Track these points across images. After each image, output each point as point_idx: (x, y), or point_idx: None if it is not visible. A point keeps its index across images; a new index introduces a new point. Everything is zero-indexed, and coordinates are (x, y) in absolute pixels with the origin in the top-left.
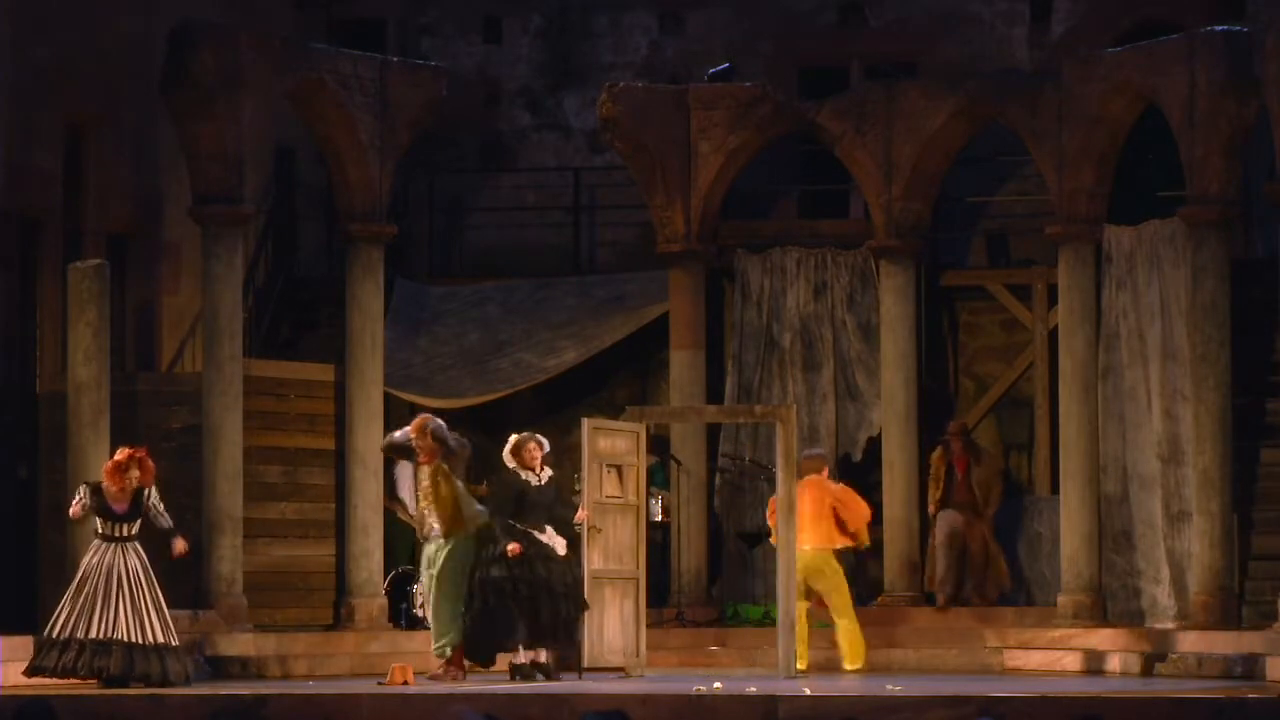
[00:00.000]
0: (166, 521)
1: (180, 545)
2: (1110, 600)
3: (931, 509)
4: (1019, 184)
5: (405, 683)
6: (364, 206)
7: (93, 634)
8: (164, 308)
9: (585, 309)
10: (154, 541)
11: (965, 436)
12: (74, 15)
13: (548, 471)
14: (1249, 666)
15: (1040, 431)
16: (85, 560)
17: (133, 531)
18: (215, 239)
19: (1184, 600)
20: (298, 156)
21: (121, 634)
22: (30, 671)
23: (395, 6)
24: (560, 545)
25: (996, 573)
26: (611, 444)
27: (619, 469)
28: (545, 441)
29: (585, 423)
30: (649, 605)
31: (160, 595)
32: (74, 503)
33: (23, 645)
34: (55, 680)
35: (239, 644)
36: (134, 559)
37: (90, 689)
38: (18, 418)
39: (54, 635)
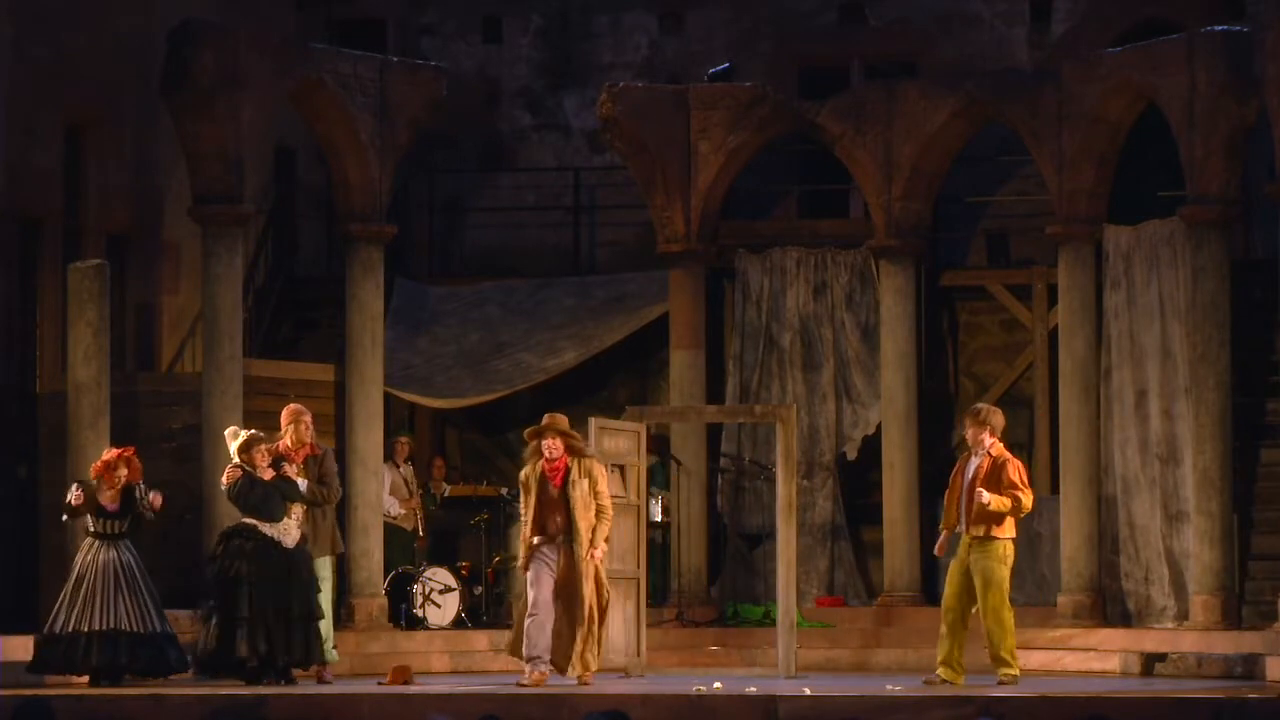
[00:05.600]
0: (150, 510)
1: (156, 499)
2: (1110, 600)
3: (523, 550)
4: (1019, 184)
5: (405, 683)
6: (364, 206)
7: (97, 626)
8: (164, 308)
9: (585, 309)
10: (145, 538)
11: (564, 435)
12: (74, 15)
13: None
14: (1249, 666)
15: (1040, 431)
16: (79, 557)
17: (123, 529)
18: (215, 239)
19: (1183, 600)
20: (298, 156)
21: (125, 625)
22: (34, 668)
23: (395, 6)
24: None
25: (599, 647)
26: (615, 444)
27: (621, 469)
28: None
29: (592, 422)
30: (649, 605)
31: (152, 584)
32: (71, 492)
33: (23, 645)
34: (60, 675)
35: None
36: (127, 554)
37: (86, 688)
38: (18, 418)
39: (57, 631)
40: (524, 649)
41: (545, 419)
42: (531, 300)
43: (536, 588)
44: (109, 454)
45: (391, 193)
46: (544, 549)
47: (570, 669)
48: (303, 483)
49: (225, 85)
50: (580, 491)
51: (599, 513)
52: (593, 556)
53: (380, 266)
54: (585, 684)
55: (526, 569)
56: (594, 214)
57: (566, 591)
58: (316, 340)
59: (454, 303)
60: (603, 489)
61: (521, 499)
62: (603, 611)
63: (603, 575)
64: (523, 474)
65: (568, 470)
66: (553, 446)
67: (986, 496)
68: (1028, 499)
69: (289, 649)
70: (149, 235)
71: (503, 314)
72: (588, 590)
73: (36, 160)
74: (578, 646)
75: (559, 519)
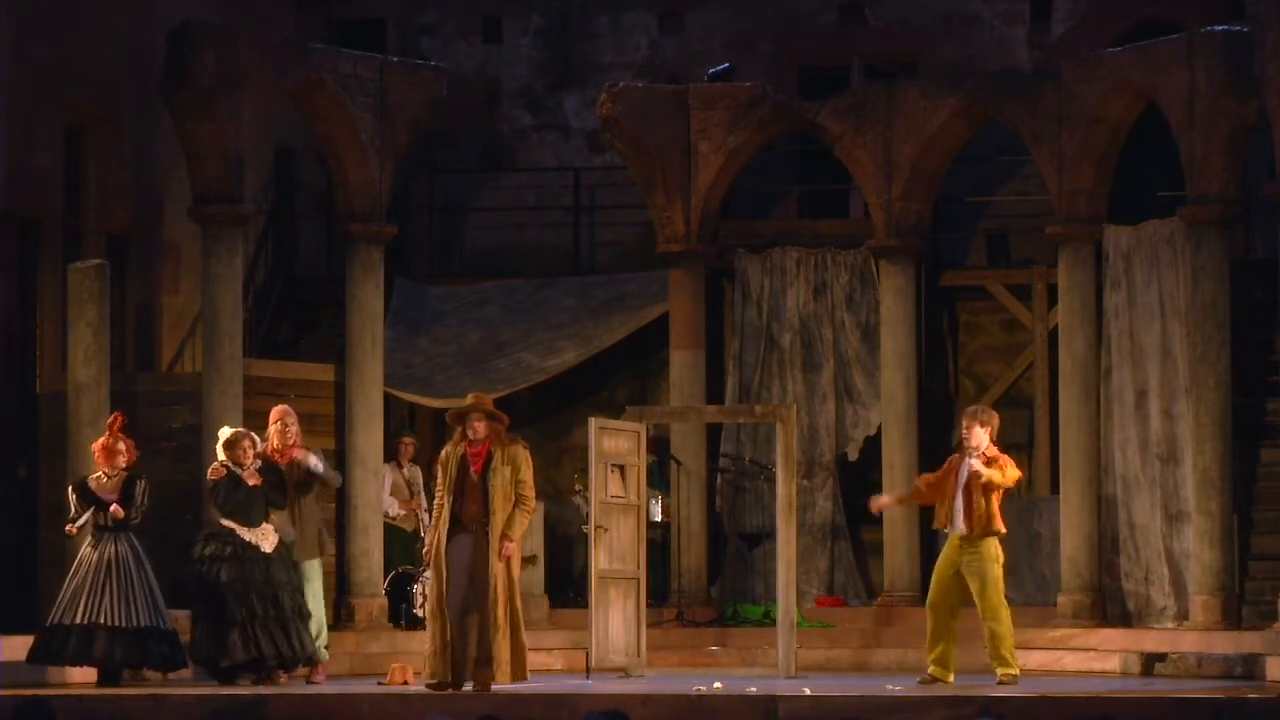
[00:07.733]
0: (136, 515)
1: (117, 510)
2: (1110, 600)
3: (430, 539)
4: (1019, 184)
5: (405, 683)
6: (364, 206)
7: (79, 620)
8: (164, 308)
9: (585, 309)
10: (146, 537)
11: (490, 417)
12: (74, 15)
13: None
14: (1249, 666)
15: (1040, 431)
16: (81, 551)
17: (125, 518)
18: (215, 239)
19: (1183, 600)
20: (298, 156)
21: (105, 618)
22: (30, 659)
23: (395, 6)
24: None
25: (509, 650)
26: (615, 444)
27: (621, 469)
28: (259, 439)
29: (592, 422)
30: (649, 605)
31: (152, 579)
32: (69, 522)
33: (23, 645)
34: (50, 666)
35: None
36: (124, 546)
37: (90, 689)
38: (18, 418)
39: (48, 623)
40: (429, 650)
41: (470, 398)
42: (531, 300)
43: (451, 585)
44: (105, 437)
45: (391, 193)
46: (459, 540)
47: (468, 676)
48: (318, 463)
49: (225, 85)
50: (501, 479)
51: (519, 502)
52: (505, 550)
53: (380, 266)
54: (482, 691)
55: (440, 563)
56: (594, 214)
57: (476, 589)
58: (316, 340)
59: (454, 303)
60: (526, 478)
61: (438, 481)
62: (513, 616)
63: (515, 573)
64: (442, 453)
65: (490, 456)
66: (476, 429)
67: (985, 474)
68: (1013, 470)
69: (279, 649)
70: (149, 235)
71: (503, 314)
72: (499, 588)
73: (36, 160)
74: (479, 653)
75: (474, 508)
